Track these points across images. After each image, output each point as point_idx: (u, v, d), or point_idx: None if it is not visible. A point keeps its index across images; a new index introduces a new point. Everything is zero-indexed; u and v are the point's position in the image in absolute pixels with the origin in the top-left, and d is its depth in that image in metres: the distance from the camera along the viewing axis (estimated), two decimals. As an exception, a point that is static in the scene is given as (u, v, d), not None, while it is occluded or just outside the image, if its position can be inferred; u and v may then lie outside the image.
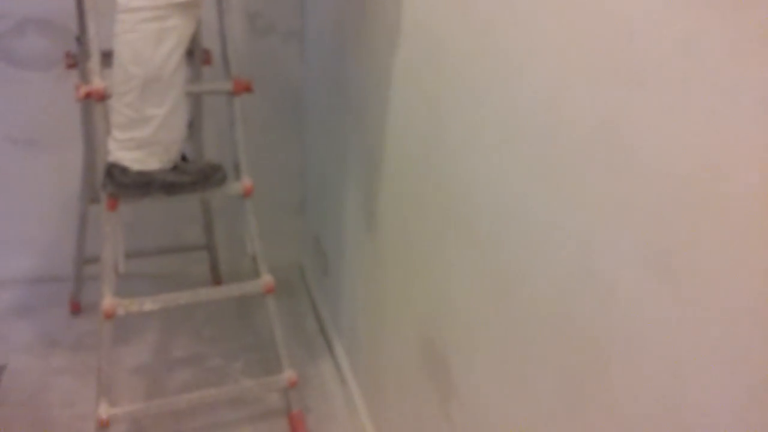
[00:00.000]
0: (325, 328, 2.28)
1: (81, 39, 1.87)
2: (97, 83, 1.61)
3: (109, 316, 1.63)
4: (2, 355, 2.12)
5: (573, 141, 0.88)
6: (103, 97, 1.61)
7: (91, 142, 2.04)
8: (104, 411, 1.64)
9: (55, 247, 2.46)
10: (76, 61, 1.98)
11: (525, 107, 0.99)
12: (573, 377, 0.91)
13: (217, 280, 2.46)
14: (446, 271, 1.29)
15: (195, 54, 1.99)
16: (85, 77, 1.88)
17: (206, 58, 2.05)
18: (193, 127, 2.06)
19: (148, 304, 1.66)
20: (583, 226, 0.87)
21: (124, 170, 1.63)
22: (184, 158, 1.74)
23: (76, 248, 2.24)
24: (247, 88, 1.76)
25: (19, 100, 2.30)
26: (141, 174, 1.63)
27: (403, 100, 1.48)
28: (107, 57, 1.61)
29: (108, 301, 1.63)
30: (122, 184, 1.63)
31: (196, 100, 2.07)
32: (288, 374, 1.81)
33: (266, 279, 1.77)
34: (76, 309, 2.32)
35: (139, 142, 1.61)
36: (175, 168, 1.68)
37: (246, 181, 1.77)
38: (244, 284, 1.78)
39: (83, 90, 1.63)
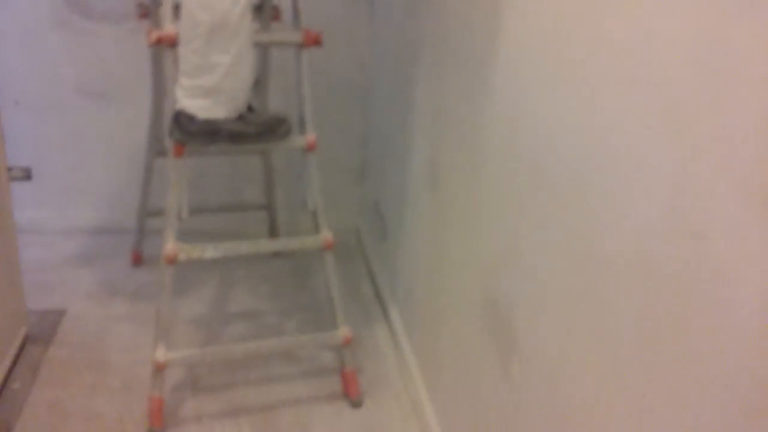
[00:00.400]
0: (380, 293, 2.26)
1: (153, -12, 1.88)
2: (168, 28, 1.61)
3: (171, 261, 1.64)
4: (63, 300, 2.17)
5: (669, 71, 0.82)
6: (173, 42, 1.61)
7: (160, 92, 2.06)
8: (161, 355, 1.66)
9: (119, 199, 2.50)
10: (147, 10, 1.99)
11: (612, 46, 0.93)
12: (653, 330, 0.87)
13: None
14: (516, 225, 1.25)
15: (264, 9, 1.98)
16: (156, 25, 1.89)
17: (275, 14, 2.04)
18: (260, 81, 2.05)
19: (210, 251, 1.66)
20: (675, 164, 0.82)
21: (191, 118, 1.63)
22: (250, 109, 1.74)
23: (141, 200, 2.27)
24: (317, 41, 1.74)
25: (91, 53, 2.34)
26: (207, 122, 1.63)
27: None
28: (177, 9, 1.62)
29: (170, 246, 1.64)
30: (189, 131, 1.63)
31: (263, 54, 2.06)
32: (343, 331, 1.79)
33: (325, 235, 1.76)
34: (138, 260, 2.36)
35: (205, 90, 1.61)
36: (240, 118, 1.68)
37: (310, 135, 1.75)
38: (304, 238, 1.76)
39: (155, 35, 1.63)
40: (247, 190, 2.55)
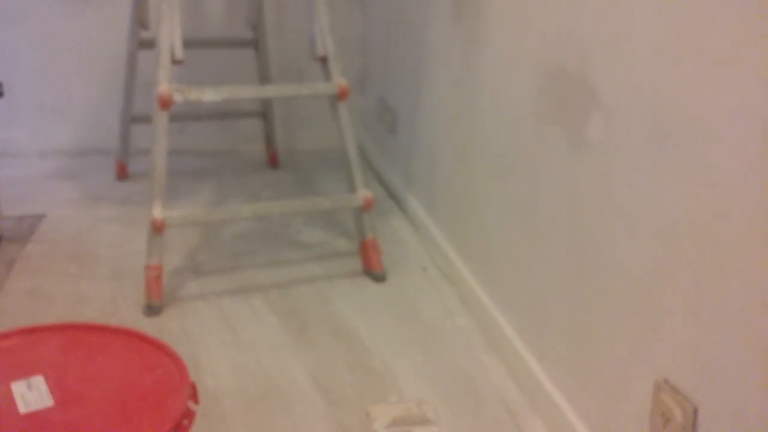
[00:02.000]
0: (392, 191, 2.07)
1: None
2: None
3: (166, 104, 1.43)
4: (42, 207, 1.94)
5: None
6: None
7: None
8: (159, 212, 1.44)
9: (100, 118, 2.28)
10: None
11: None
12: None
13: (272, 155, 2.27)
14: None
15: None
16: None
17: None
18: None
19: (210, 94, 1.45)
20: None
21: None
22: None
23: (124, 102, 2.06)
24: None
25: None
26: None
27: None
28: None
29: (164, 87, 1.43)
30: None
31: None
32: (363, 193, 1.59)
33: (339, 81, 1.56)
34: (123, 173, 2.13)
35: None
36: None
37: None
38: (315, 84, 1.56)
39: None
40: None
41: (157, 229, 1.45)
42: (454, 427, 1.18)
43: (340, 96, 1.57)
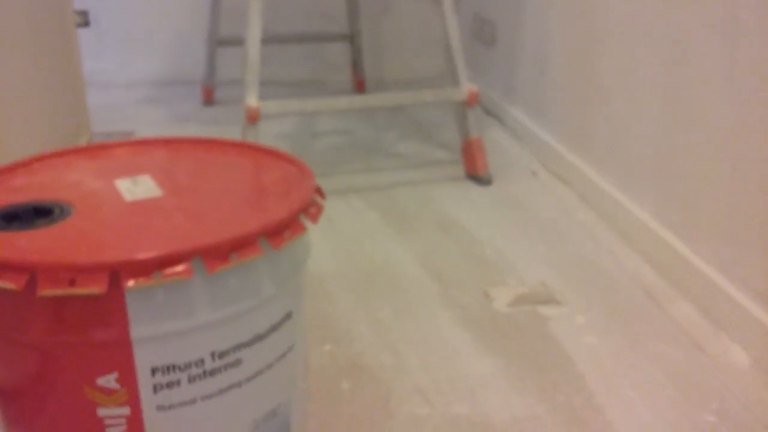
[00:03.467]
0: (490, 108, 1.93)
1: None
2: None
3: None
4: (131, 125, 1.90)
5: None
6: None
7: None
8: (253, 101, 1.36)
9: (186, 47, 2.24)
10: None
11: None
12: None
13: (359, 82, 2.17)
14: None
15: None
16: None
17: None
18: None
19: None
20: None
21: None
22: None
23: (210, 23, 2.00)
24: None
25: None
26: None
27: None
28: None
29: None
30: None
31: None
32: (467, 87, 1.46)
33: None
34: (209, 98, 2.08)
35: None
36: None
37: None
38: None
39: None
40: (328, 22, 2.26)
41: (252, 118, 1.37)
42: (585, 309, 1.05)
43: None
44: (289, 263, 0.59)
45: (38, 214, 0.57)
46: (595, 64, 1.39)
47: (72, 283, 0.47)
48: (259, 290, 0.55)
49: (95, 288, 0.47)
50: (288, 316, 0.60)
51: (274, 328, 0.58)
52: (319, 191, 0.64)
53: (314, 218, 0.59)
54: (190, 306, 0.52)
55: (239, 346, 0.55)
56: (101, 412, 0.53)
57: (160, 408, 0.53)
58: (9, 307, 0.51)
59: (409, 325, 1.02)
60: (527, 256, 1.20)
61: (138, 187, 0.63)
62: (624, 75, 1.28)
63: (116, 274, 0.48)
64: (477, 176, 1.51)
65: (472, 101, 1.47)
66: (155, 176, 0.65)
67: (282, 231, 0.55)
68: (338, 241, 1.27)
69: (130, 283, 0.48)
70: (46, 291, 0.47)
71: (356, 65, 2.17)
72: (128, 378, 0.52)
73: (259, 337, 0.56)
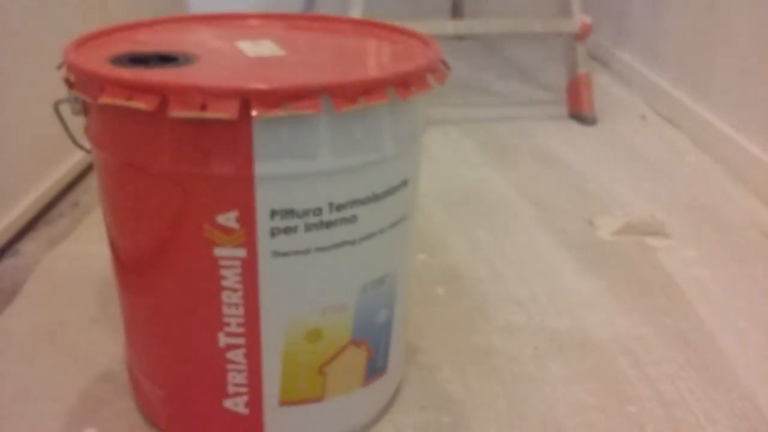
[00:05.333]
0: (596, 53, 1.86)
1: None
2: None
3: None
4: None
5: None
6: None
7: None
8: (358, 13, 1.34)
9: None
10: None
11: None
12: None
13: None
14: None
15: None
16: None
17: None
18: None
19: None
20: None
21: None
22: None
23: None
24: None
25: None
26: None
27: None
28: None
29: None
30: None
31: None
32: (580, 18, 1.40)
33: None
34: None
35: None
36: None
37: None
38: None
39: None
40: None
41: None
42: (696, 244, 0.99)
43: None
44: (410, 126, 0.57)
45: (163, 61, 0.57)
46: (715, 2, 1.30)
47: (203, 107, 0.47)
48: (382, 146, 0.54)
49: (226, 113, 0.47)
50: (404, 183, 0.58)
51: (390, 192, 0.56)
52: (444, 62, 0.61)
53: (441, 80, 0.57)
54: (314, 147, 0.50)
55: (356, 202, 0.54)
56: (218, 252, 0.52)
57: (276, 254, 0.53)
58: (139, 132, 0.51)
59: (506, 243, 0.99)
60: (633, 192, 1.15)
61: (260, 48, 0.62)
62: (750, 11, 1.19)
63: (247, 102, 0.47)
64: (581, 115, 1.45)
65: (584, 34, 1.41)
66: (276, 41, 0.64)
67: (410, 83, 0.53)
68: (434, 166, 1.25)
69: (260, 112, 0.47)
70: (177, 113, 0.47)
71: (456, 6, 2.12)
72: (248, 218, 0.51)
73: (376, 197, 0.55)
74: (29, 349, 0.75)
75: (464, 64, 1.87)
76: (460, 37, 2.11)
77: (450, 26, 1.39)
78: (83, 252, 0.93)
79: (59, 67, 0.57)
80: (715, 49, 1.31)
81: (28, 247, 0.94)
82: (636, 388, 0.71)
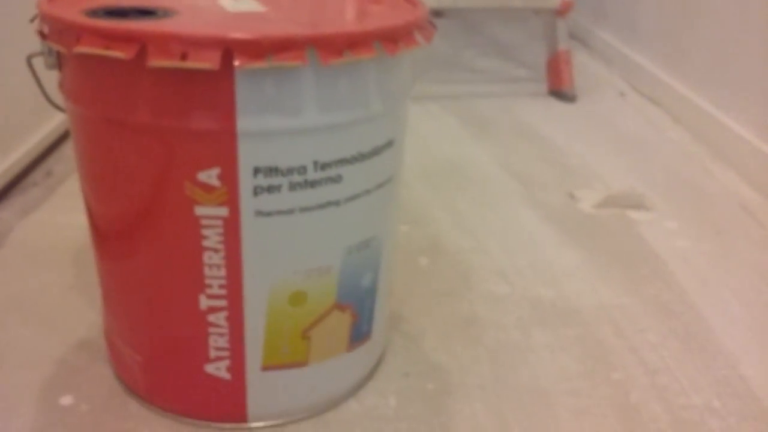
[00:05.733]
0: (576, 33, 1.86)
1: None
2: None
3: None
4: None
5: None
6: None
7: None
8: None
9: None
10: None
11: None
12: None
13: None
14: None
15: None
16: None
17: None
18: None
19: None
20: None
21: None
22: None
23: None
24: None
25: None
26: None
27: None
28: None
29: None
30: None
31: None
32: (560, -6, 1.40)
33: None
34: None
35: None
36: None
37: None
38: None
39: None
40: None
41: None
42: (677, 216, 0.99)
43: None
44: (397, 84, 0.55)
45: (141, 14, 0.55)
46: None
47: (184, 56, 0.45)
48: (367, 103, 0.52)
49: (207, 63, 0.45)
50: (390, 143, 0.57)
51: (376, 152, 0.55)
52: (431, 21, 0.60)
53: (428, 38, 0.56)
54: (299, 102, 0.49)
55: (342, 161, 0.53)
56: (199, 211, 0.51)
57: (259, 213, 0.51)
58: (117, 85, 0.49)
59: (488, 215, 0.98)
60: (614, 166, 1.15)
61: (240, 4, 0.61)
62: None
63: (229, 52, 0.45)
64: (561, 92, 1.44)
65: (565, 10, 1.40)
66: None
67: (397, 39, 0.51)
68: (415, 139, 1.24)
69: (242, 63, 0.45)
70: (156, 62, 0.45)
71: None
72: (230, 175, 0.50)
73: (361, 156, 0.54)
74: (2, 317, 0.73)
75: (446, 42, 1.85)
76: (440, 15, 2.10)
77: (433, 0, 1.37)
78: (57, 221, 0.91)
79: (32, 19, 0.55)
80: (693, 28, 1.31)
81: (1, 215, 0.92)
82: (620, 356, 0.71)
